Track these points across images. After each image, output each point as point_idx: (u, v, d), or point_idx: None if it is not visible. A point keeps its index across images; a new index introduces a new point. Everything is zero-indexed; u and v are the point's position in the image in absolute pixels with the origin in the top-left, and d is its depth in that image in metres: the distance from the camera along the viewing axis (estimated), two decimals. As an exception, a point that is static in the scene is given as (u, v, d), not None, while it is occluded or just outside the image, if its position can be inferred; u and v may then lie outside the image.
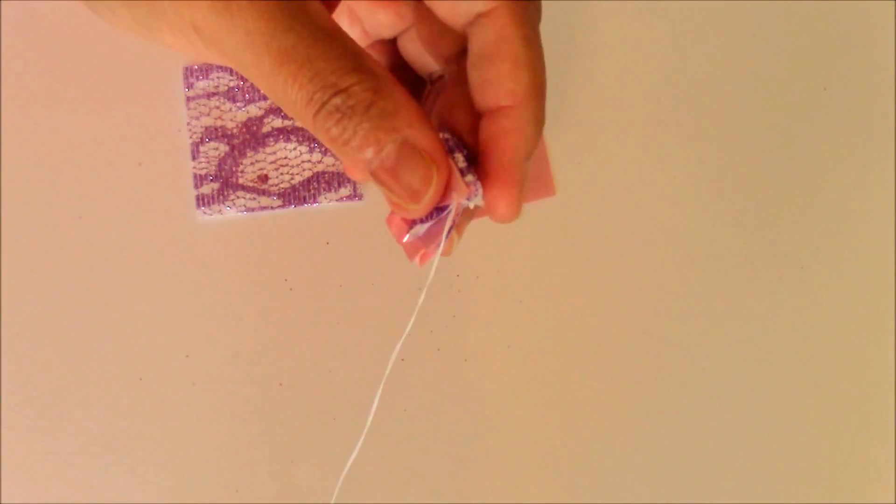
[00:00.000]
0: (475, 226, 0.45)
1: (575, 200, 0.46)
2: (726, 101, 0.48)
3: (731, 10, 0.49)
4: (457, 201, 0.31)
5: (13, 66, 0.45)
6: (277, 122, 0.45)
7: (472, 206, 0.31)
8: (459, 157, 0.31)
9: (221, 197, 0.44)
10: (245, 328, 0.43)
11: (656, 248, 0.46)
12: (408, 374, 0.43)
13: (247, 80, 0.46)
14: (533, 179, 0.46)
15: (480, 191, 0.31)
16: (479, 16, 0.31)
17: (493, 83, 0.31)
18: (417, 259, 0.33)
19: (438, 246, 0.32)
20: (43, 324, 0.43)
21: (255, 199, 0.44)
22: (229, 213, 0.44)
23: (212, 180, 0.44)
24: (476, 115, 0.33)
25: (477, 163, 0.32)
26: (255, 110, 0.45)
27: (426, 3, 0.33)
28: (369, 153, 0.30)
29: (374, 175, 0.30)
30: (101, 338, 0.43)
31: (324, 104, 0.29)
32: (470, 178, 0.31)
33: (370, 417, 0.34)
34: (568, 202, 0.46)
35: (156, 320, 0.43)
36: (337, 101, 0.29)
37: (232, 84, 0.46)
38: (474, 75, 0.31)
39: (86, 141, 0.45)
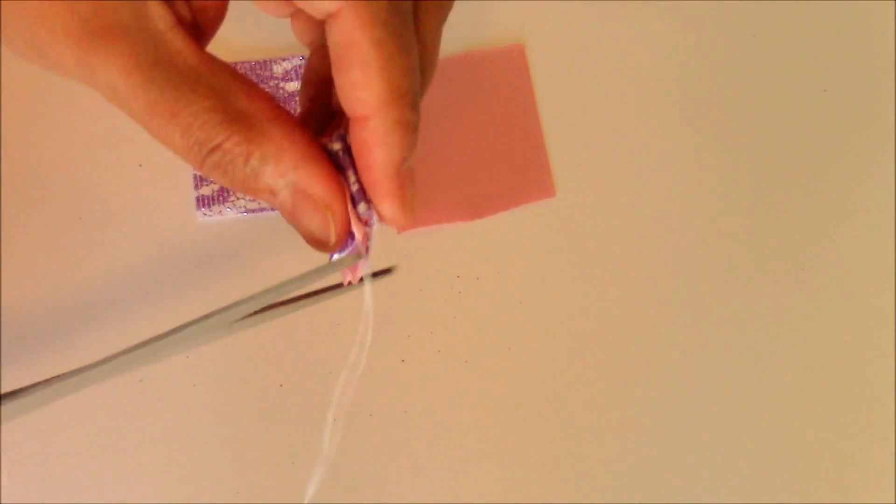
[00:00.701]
0: (475, 226, 0.45)
1: (575, 200, 0.46)
2: (726, 101, 0.48)
3: (731, 10, 0.49)
4: (360, 231, 0.30)
5: (13, 67, 0.45)
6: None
7: (375, 227, 0.30)
8: (352, 176, 0.29)
9: (221, 198, 0.44)
10: (245, 328, 0.43)
11: (656, 249, 0.46)
12: (408, 374, 0.43)
13: (247, 81, 0.46)
14: (533, 180, 0.46)
15: (375, 216, 0.30)
16: (329, 17, 0.28)
17: (348, 91, 0.28)
18: (350, 278, 0.32)
19: (363, 264, 0.31)
20: (43, 324, 0.43)
21: (255, 200, 0.44)
22: (229, 215, 0.44)
23: (212, 181, 0.44)
24: None
25: None
26: (255, 110, 0.45)
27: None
28: (266, 197, 0.29)
29: (282, 215, 0.29)
30: (101, 338, 0.43)
31: (203, 161, 0.28)
32: (362, 207, 0.29)
33: (326, 439, 0.34)
34: (568, 202, 0.46)
35: (156, 321, 0.43)
36: (214, 158, 0.28)
37: (232, 84, 0.46)
38: (336, 80, 0.29)
39: (86, 141, 0.45)
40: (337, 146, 0.29)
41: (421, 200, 0.45)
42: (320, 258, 0.44)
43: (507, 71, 0.47)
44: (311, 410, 0.42)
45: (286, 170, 0.28)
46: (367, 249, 0.30)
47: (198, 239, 0.44)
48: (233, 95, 0.28)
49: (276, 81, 0.46)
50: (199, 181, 0.45)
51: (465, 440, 0.43)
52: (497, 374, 0.43)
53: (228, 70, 0.28)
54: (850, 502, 0.43)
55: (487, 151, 0.46)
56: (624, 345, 0.44)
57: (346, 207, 0.29)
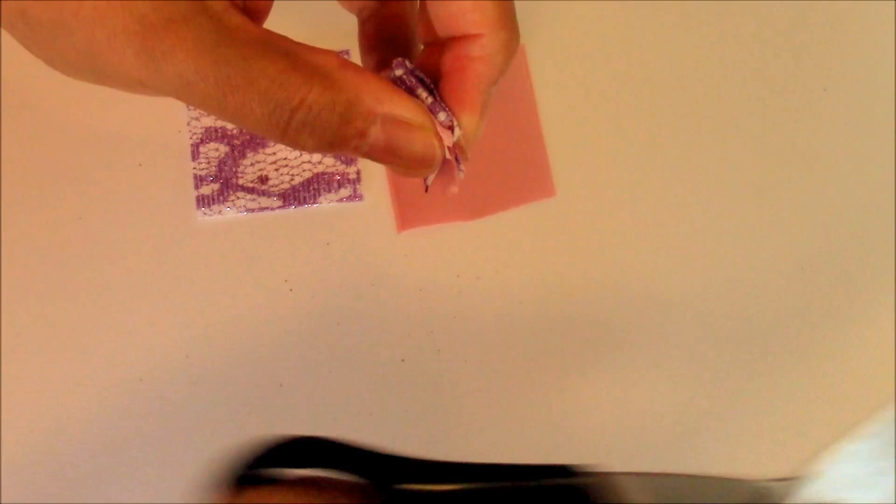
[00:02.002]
0: (475, 226, 0.45)
1: (575, 200, 0.46)
2: (726, 101, 0.48)
3: (731, 10, 0.49)
4: (448, 138, 0.31)
5: (13, 67, 0.45)
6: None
7: (455, 138, 0.31)
8: (423, 92, 0.31)
9: (221, 198, 0.44)
10: (245, 328, 0.43)
11: (656, 248, 0.46)
12: (408, 374, 0.43)
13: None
14: (533, 180, 0.46)
15: (455, 123, 0.31)
16: None
17: (458, 15, 0.30)
18: (446, 189, 0.33)
19: (456, 176, 0.32)
20: (43, 324, 0.43)
21: (255, 199, 0.44)
22: (229, 214, 0.44)
23: (212, 181, 0.44)
24: (414, 39, 0.33)
25: (436, 88, 0.31)
26: (255, 110, 0.45)
27: None
28: (355, 143, 0.29)
29: (372, 157, 0.30)
30: (101, 338, 0.43)
31: (288, 123, 0.28)
32: (443, 116, 0.31)
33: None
34: (568, 202, 0.46)
35: (156, 321, 0.43)
36: (300, 116, 0.28)
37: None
38: (437, 9, 0.31)
39: (86, 141, 0.45)
40: (399, 72, 0.31)
41: (421, 200, 0.45)
42: (321, 258, 0.44)
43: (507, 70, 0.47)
44: (311, 410, 0.42)
45: (372, 106, 0.29)
46: (459, 158, 0.32)
47: (198, 238, 0.44)
48: (300, 55, 0.28)
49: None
50: (199, 181, 0.45)
51: (465, 439, 0.43)
52: (497, 373, 0.43)
53: (287, 38, 0.29)
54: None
55: (487, 151, 0.46)
56: (624, 345, 0.44)
57: (435, 120, 0.31)
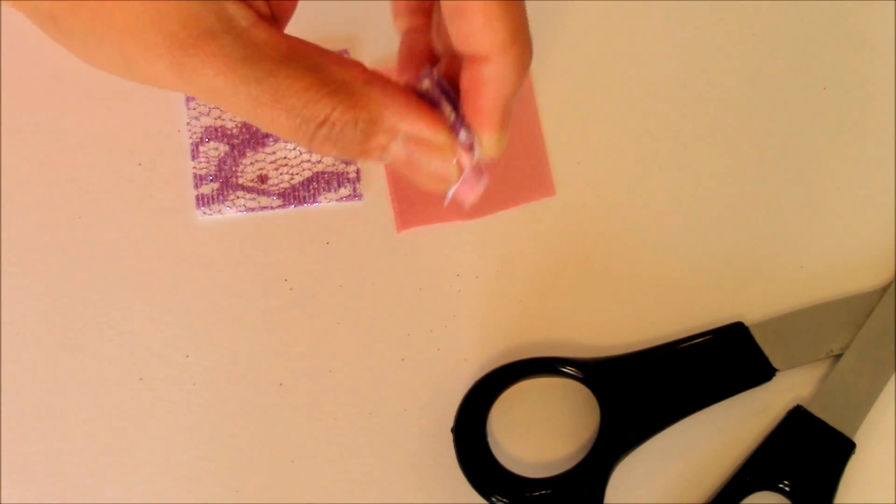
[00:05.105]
0: (475, 225, 0.45)
1: (574, 200, 0.46)
2: (726, 100, 0.48)
3: (731, 9, 0.49)
4: (468, 157, 0.32)
5: (13, 66, 0.46)
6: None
7: (475, 157, 0.32)
8: (447, 107, 0.31)
9: (221, 197, 0.44)
10: (245, 328, 0.43)
11: (656, 249, 0.46)
12: (408, 373, 0.43)
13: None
14: (532, 179, 0.46)
15: (476, 141, 0.32)
16: None
17: (469, 36, 0.30)
18: (472, 197, 0.33)
19: (475, 191, 0.33)
20: (43, 324, 0.43)
21: (254, 199, 0.44)
22: (229, 213, 0.44)
23: (212, 180, 0.45)
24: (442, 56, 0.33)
25: (459, 102, 0.32)
26: (254, 110, 0.45)
27: None
28: (377, 156, 0.30)
29: (394, 168, 0.31)
30: (101, 338, 0.43)
31: (312, 137, 0.29)
32: (463, 135, 0.31)
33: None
34: (567, 201, 0.46)
35: (156, 320, 0.43)
36: (323, 131, 0.29)
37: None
38: (451, 27, 0.31)
39: (86, 141, 0.45)
40: (426, 84, 0.31)
41: (420, 199, 0.45)
42: (321, 258, 0.44)
43: (506, 70, 0.47)
44: (311, 410, 0.42)
45: (394, 124, 0.30)
46: (481, 171, 0.32)
47: (198, 238, 0.44)
48: (327, 69, 0.29)
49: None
50: (199, 180, 0.45)
51: (466, 439, 0.42)
52: (497, 373, 0.43)
53: (315, 48, 0.30)
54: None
55: (487, 150, 0.46)
56: (624, 346, 0.44)
57: (455, 140, 0.31)
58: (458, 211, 0.45)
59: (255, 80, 0.28)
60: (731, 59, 0.48)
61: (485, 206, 0.45)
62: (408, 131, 0.30)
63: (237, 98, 0.29)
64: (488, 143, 0.32)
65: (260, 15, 0.29)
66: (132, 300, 0.43)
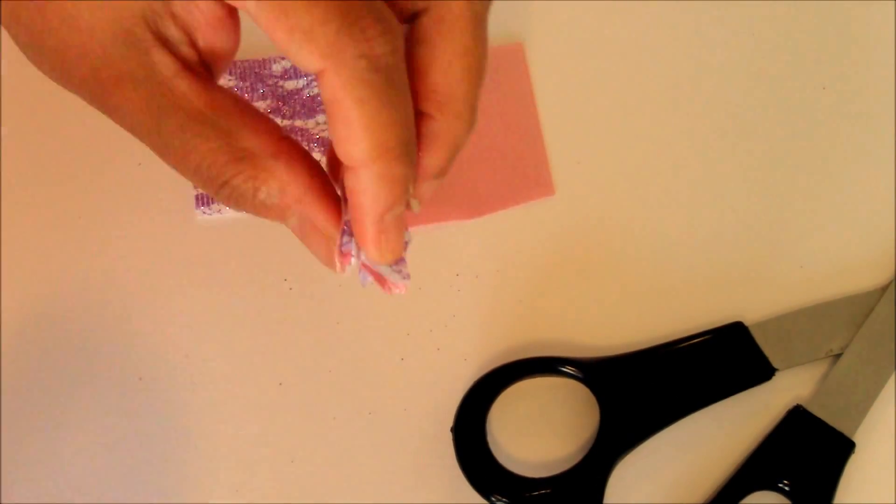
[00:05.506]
0: (474, 225, 0.45)
1: (574, 199, 0.46)
2: (726, 100, 0.48)
3: (731, 9, 0.49)
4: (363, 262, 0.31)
5: (13, 67, 0.46)
6: (277, 122, 0.45)
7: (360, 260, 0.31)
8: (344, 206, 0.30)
9: (221, 197, 0.44)
10: (245, 328, 0.43)
11: (656, 248, 0.46)
12: (408, 373, 0.43)
13: (246, 80, 0.46)
14: (532, 178, 0.46)
15: (355, 253, 0.31)
16: (316, 75, 0.28)
17: (337, 143, 0.29)
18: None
19: (389, 288, 0.32)
20: (43, 324, 0.43)
21: (254, 198, 0.44)
22: (229, 213, 0.44)
23: (212, 180, 0.44)
24: None
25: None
26: (254, 110, 0.45)
27: None
28: (279, 220, 0.31)
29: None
30: (101, 338, 0.43)
31: (215, 194, 0.30)
32: (345, 238, 0.30)
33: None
34: (567, 201, 0.46)
35: (155, 320, 0.43)
36: (225, 192, 0.29)
37: (231, 84, 0.46)
38: (329, 131, 0.29)
39: (86, 141, 0.45)
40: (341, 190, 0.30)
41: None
42: (316, 259, 0.44)
43: (506, 69, 0.47)
44: (310, 409, 0.42)
45: (291, 202, 0.30)
46: (399, 270, 0.31)
47: (198, 238, 0.44)
48: (238, 134, 0.29)
49: (276, 80, 0.46)
50: (199, 180, 0.45)
51: (465, 439, 0.42)
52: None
53: (235, 106, 0.29)
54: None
55: (486, 150, 0.46)
56: (623, 345, 0.44)
57: (339, 237, 0.31)
58: (457, 211, 0.45)
59: (168, 132, 0.29)
60: (731, 59, 0.48)
61: (485, 205, 0.46)
62: (301, 212, 0.30)
63: (152, 141, 0.29)
64: (368, 254, 0.30)
65: (185, 65, 0.29)
66: (132, 300, 0.43)
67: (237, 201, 0.30)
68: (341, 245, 0.31)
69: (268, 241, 0.44)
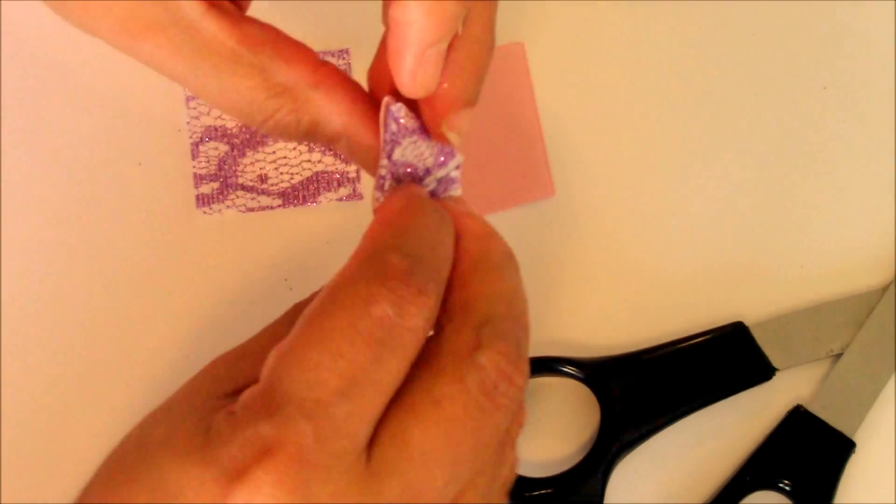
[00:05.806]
0: (475, 225, 0.45)
1: (574, 200, 0.46)
2: (726, 100, 0.48)
3: (731, 9, 0.49)
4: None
5: (13, 66, 0.46)
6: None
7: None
8: (386, 142, 0.31)
9: (221, 196, 0.44)
10: (245, 327, 0.43)
11: (656, 248, 0.46)
12: (408, 373, 0.43)
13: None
14: (532, 179, 0.46)
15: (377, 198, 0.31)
16: None
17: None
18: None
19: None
20: (43, 324, 0.43)
21: (254, 198, 0.44)
22: (229, 213, 0.44)
23: (212, 180, 0.45)
24: None
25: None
26: (254, 110, 0.45)
27: None
28: (326, 146, 0.32)
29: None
30: (101, 337, 0.43)
31: (259, 127, 0.30)
32: (383, 170, 0.31)
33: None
34: (567, 201, 0.46)
35: (155, 320, 0.43)
36: (268, 126, 0.30)
37: None
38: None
39: (86, 141, 0.45)
40: (393, 128, 0.31)
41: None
42: (321, 258, 0.44)
43: (506, 69, 0.47)
44: (311, 409, 0.42)
45: (336, 127, 0.30)
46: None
47: (198, 238, 0.44)
48: (273, 68, 0.29)
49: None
50: (199, 180, 0.45)
51: (466, 439, 0.42)
52: (497, 372, 0.43)
53: (267, 38, 0.29)
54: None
55: (486, 150, 0.46)
56: (623, 345, 0.44)
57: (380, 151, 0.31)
58: (458, 211, 0.45)
59: (203, 74, 0.29)
60: (731, 59, 0.48)
61: (485, 206, 0.45)
62: (347, 135, 0.30)
63: (189, 84, 0.29)
64: (401, 82, 0.30)
65: (211, 3, 0.29)
66: (132, 299, 0.43)
67: (282, 133, 0.30)
68: (378, 176, 0.31)
69: (268, 242, 0.44)
